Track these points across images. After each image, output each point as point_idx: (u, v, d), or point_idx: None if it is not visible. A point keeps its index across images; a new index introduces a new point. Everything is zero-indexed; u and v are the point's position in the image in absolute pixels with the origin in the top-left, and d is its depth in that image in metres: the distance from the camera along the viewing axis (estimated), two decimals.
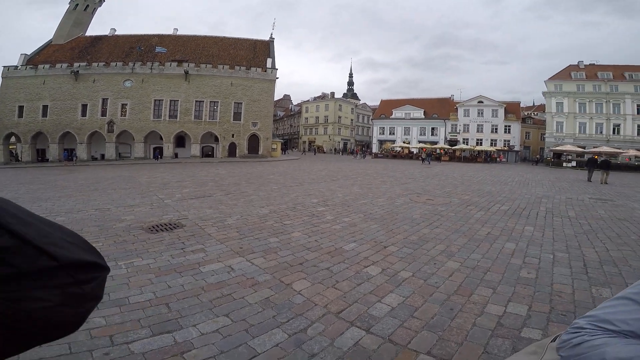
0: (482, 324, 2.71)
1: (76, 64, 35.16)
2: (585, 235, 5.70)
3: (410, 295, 3.24)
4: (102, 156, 35.66)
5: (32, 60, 36.23)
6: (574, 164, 35.41)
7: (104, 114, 35.35)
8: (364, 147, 57.90)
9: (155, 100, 35.94)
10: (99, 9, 43.25)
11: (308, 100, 72.82)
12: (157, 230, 5.58)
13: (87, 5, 40.96)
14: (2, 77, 35.08)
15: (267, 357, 2.27)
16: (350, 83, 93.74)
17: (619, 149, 35.61)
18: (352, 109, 69.71)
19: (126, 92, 35.54)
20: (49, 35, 40.49)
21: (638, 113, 39.84)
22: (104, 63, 35.72)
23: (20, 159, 35.83)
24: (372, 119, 62.81)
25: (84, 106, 35.17)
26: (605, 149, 34.86)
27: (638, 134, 39.41)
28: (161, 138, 36.02)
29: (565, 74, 44.89)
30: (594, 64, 45.20)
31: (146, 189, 11.12)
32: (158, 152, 34.64)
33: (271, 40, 42.60)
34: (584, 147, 38.15)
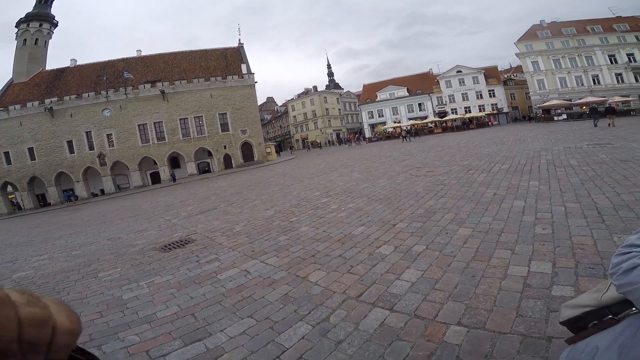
0: (508, 288, 2.61)
1: (47, 100, 34.10)
2: (592, 181, 5.53)
3: (428, 269, 3.20)
4: (102, 191, 35.29)
5: (0, 102, 34.85)
6: (564, 116, 35.82)
7: (91, 147, 34.69)
8: (357, 134, 57.71)
9: (138, 125, 35.41)
10: (51, 41, 41.98)
11: (292, 99, 72.40)
12: (170, 249, 5.61)
13: (37, 39, 39.63)
14: None
15: (295, 350, 2.27)
16: (330, 74, 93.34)
17: (604, 97, 35.75)
18: (337, 98, 69.32)
19: (107, 121, 34.84)
20: (6, 76, 39.26)
21: (611, 62, 41.08)
22: (75, 95, 34.72)
23: (22, 207, 35.18)
24: (358, 105, 62.57)
25: (69, 142, 34.39)
26: (590, 99, 35.13)
27: (618, 82, 40.54)
28: (155, 162, 35.78)
29: (531, 34, 45.62)
30: (555, 22, 46.19)
31: (151, 214, 11.12)
32: (172, 174, 33.87)
33: (240, 46, 42.16)
34: (570, 100, 38.57)
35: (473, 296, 2.59)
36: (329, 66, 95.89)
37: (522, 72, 48.21)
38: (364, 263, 3.59)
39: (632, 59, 40.07)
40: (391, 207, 5.90)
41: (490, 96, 49.72)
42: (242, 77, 37.83)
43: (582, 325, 0.72)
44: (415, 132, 39.91)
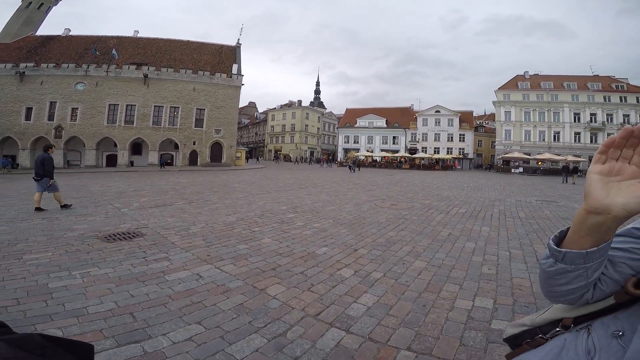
0: (454, 318, 2.85)
1: (22, 65, 32.19)
2: (535, 233, 6.27)
3: (383, 295, 3.32)
4: None
5: None
6: (520, 170, 38.48)
7: (51, 118, 32.39)
8: (330, 156, 58.56)
9: (110, 104, 33.64)
10: (54, 7, 40.59)
11: (275, 108, 72.21)
12: (114, 240, 5.21)
13: (42, 4, 38.45)
14: None
15: None
16: (317, 92, 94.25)
17: (559, 155, 38.58)
18: (318, 117, 70.08)
19: (78, 95, 32.88)
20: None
21: (575, 121, 43.59)
22: (54, 64, 32.95)
23: None
24: (337, 128, 63.86)
25: (29, 109, 32.06)
26: (547, 155, 37.83)
27: (575, 141, 43.13)
28: (115, 145, 33.73)
29: (512, 84, 47.79)
30: (537, 74, 48.61)
31: (100, 198, 10.35)
32: (163, 160, 31.70)
33: (238, 46, 41.69)
34: (529, 154, 40.94)
35: (423, 324, 2.75)
36: (317, 83, 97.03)
37: (494, 120, 49.77)
38: (325, 283, 3.61)
39: (593, 119, 42.43)
40: (354, 232, 6.02)
41: (460, 140, 52.31)
42: (230, 77, 37.31)
43: (519, 343, 0.82)
44: (358, 164, 38.82)
